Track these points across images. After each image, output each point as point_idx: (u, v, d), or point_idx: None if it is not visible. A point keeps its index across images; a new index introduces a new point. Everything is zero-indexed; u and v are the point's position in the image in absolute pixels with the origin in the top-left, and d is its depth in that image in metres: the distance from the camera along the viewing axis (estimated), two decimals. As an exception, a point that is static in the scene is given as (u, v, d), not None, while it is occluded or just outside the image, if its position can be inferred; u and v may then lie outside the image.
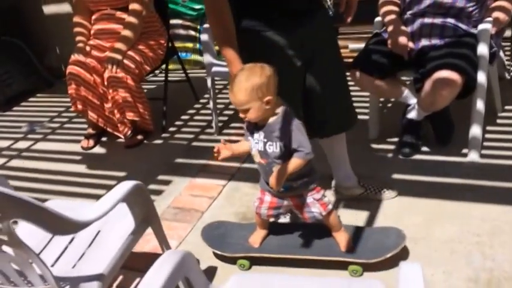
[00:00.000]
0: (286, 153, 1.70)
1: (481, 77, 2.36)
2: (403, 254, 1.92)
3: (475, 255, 1.92)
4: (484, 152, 2.57)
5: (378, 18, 2.70)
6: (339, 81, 2.03)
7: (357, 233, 1.98)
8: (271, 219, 2.00)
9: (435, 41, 2.41)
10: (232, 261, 2.01)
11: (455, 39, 2.37)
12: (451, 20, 2.38)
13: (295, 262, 1.93)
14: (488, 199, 2.21)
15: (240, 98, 1.62)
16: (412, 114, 2.58)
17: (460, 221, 2.08)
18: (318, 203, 1.84)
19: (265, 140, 1.71)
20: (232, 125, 3.33)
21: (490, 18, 2.36)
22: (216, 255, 2.06)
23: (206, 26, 3.14)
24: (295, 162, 1.70)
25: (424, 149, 2.68)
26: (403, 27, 2.47)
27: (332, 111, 2.02)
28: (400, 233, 1.94)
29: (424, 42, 2.44)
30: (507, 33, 3.41)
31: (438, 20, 2.39)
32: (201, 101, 3.78)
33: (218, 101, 3.50)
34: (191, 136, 3.27)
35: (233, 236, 2.08)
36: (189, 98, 3.80)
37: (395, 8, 2.58)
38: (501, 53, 3.26)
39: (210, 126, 3.31)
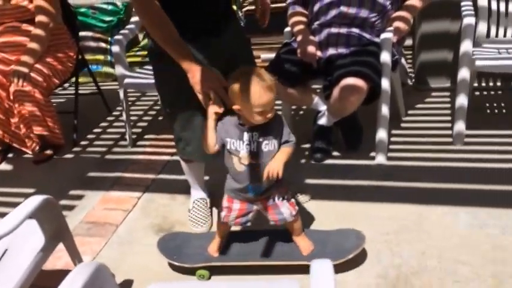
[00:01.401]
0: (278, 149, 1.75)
1: (385, 83, 2.50)
2: (363, 254, 1.97)
3: (384, 253, 2.01)
4: (390, 154, 2.71)
5: (288, 29, 2.78)
6: None
7: (316, 237, 1.99)
8: (238, 227, 1.98)
9: (342, 50, 2.52)
10: (190, 272, 1.97)
11: (360, 47, 2.49)
12: (355, 30, 2.50)
13: (257, 269, 1.92)
14: (394, 199, 2.33)
15: (271, 96, 1.64)
16: (322, 121, 2.67)
17: (369, 222, 2.17)
18: (287, 203, 1.87)
19: (261, 140, 1.73)
20: (146, 136, 3.28)
21: (391, 28, 2.50)
22: (173, 267, 2.01)
23: (117, 37, 3.08)
24: (288, 152, 1.75)
25: (335, 153, 2.78)
26: (311, 37, 2.56)
27: None
28: (359, 234, 1.98)
29: (332, 51, 2.54)
30: (409, 42, 3.65)
31: (344, 30, 2.50)
32: (114, 113, 3.68)
33: (132, 112, 3.44)
34: (104, 149, 3.18)
35: (190, 247, 2.04)
36: (101, 111, 3.69)
37: (304, 19, 2.67)
38: (403, 61, 3.48)
39: (123, 138, 3.23)
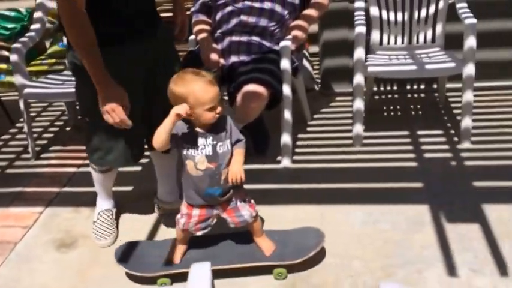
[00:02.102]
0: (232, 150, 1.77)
1: (286, 89, 2.59)
2: (323, 251, 2.01)
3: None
4: (296, 158, 2.81)
5: (192, 37, 2.81)
6: None
7: (277, 237, 2.01)
8: (199, 233, 1.95)
9: (243, 57, 2.58)
10: (152, 281, 1.93)
11: (261, 55, 2.57)
12: (256, 38, 2.58)
13: (220, 273, 1.90)
14: (300, 201, 2.42)
15: (216, 89, 1.67)
16: (229, 127, 2.72)
17: (274, 224, 2.22)
18: (247, 204, 1.88)
19: (215, 142, 1.74)
20: (52, 148, 3.17)
21: (290, 36, 2.60)
22: (133, 277, 1.96)
23: (16, 45, 2.97)
24: (243, 153, 1.79)
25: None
26: (214, 45, 2.61)
27: None
28: (318, 232, 2.02)
29: (234, 58, 2.60)
30: (314, 49, 3.80)
31: (244, 38, 2.57)
32: (18, 125, 3.53)
33: (36, 124, 3.32)
34: (5, 163, 3.04)
35: (150, 256, 2.00)
36: (3, 123, 3.53)
37: (207, 27, 2.71)
38: (309, 67, 3.62)
39: (26, 151, 3.11)
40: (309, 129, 3.17)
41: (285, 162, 2.74)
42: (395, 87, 3.53)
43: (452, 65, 2.68)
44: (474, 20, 2.59)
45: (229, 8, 2.57)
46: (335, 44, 3.39)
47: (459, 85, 2.73)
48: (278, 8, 2.57)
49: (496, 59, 3.23)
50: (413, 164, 2.66)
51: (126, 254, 2.02)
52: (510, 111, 3.06)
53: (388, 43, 3.08)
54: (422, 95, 3.47)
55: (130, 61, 1.89)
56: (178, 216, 1.91)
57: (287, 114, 2.66)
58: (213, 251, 1.99)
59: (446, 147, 2.78)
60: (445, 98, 3.27)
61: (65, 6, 1.70)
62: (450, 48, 2.92)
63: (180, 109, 1.67)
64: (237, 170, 1.77)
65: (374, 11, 3.00)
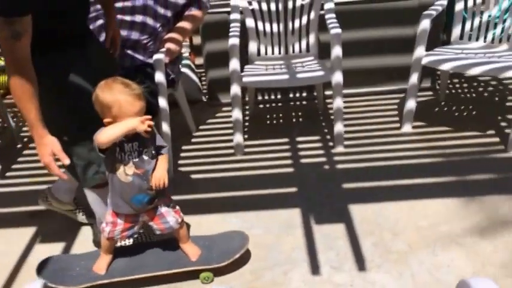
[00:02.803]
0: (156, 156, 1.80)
1: (162, 102, 2.59)
2: (248, 253, 2.06)
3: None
4: (179, 169, 2.82)
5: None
6: None
7: (202, 242, 2.03)
8: (124, 242, 1.94)
9: (115, 71, 2.55)
10: None
11: (134, 69, 2.55)
12: (128, 52, 2.56)
13: (147, 281, 1.91)
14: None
15: (142, 104, 1.69)
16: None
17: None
18: (172, 210, 1.89)
19: (141, 149, 1.75)
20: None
21: (163, 49, 2.60)
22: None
23: None
24: (167, 159, 1.83)
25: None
26: None
27: None
28: (242, 234, 2.06)
29: (106, 72, 2.56)
30: (199, 61, 3.84)
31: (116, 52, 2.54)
32: None
33: None
34: None
35: (74, 268, 1.96)
36: None
37: None
38: (196, 78, 3.65)
39: None
40: (193, 140, 3.20)
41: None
42: (279, 96, 3.65)
43: (321, 73, 2.82)
44: (339, 30, 2.74)
45: (99, 22, 2.53)
46: (218, 55, 3.44)
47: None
48: (150, 21, 2.58)
49: (363, 67, 3.43)
50: (290, 169, 2.76)
51: (49, 268, 1.97)
52: (378, 116, 3.25)
53: (266, 53, 3.18)
54: (304, 102, 3.61)
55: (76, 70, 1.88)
56: (103, 224, 1.89)
57: (165, 127, 2.66)
58: (139, 260, 1.98)
59: (321, 152, 2.92)
60: (324, 105, 3.43)
61: (7, 48, 1.66)
62: (327, 57, 3.05)
63: (141, 127, 1.67)
64: (160, 175, 1.79)
65: (250, 22, 3.10)
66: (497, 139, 2.83)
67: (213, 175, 2.78)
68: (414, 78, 2.87)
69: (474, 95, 3.45)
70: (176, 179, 2.73)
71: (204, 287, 1.95)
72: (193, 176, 2.78)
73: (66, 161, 1.76)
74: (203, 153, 3.02)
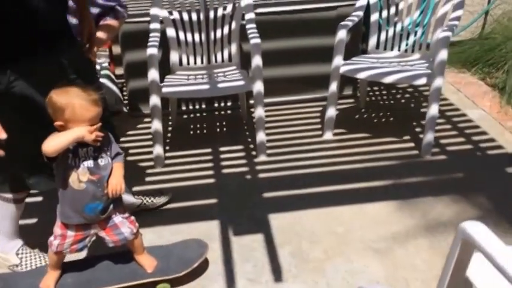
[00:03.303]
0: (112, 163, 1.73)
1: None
2: (206, 262, 2.02)
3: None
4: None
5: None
6: None
7: (158, 252, 1.96)
8: (73, 254, 1.84)
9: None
10: None
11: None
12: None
13: None
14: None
15: (98, 110, 1.62)
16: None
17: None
18: (127, 221, 1.81)
19: (96, 154, 1.68)
20: None
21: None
22: None
23: None
24: (122, 166, 1.76)
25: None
26: None
27: None
28: (200, 242, 2.02)
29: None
30: (120, 71, 3.72)
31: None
32: None
33: None
34: None
35: (20, 286, 1.84)
36: None
37: None
38: (116, 89, 3.53)
39: None
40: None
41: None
42: (203, 106, 3.60)
43: (242, 83, 2.81)
44: (258, 40, 2.74)
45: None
46: (138, 65, 3.34)
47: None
48: (72, 20, 2.45)
49: (286, 76, 3.46)
50: (211, 180, 2.71)
51: None
52: (301, 124, 3.28)
53: (188, 63, 3.13)
54: (229, 111, 3.58)
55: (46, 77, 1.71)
56: (51, 238, 1.78)
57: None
58: (90, 274, 1.88)
59: (244, 161, 2.89)
60: (248, 114, 3.41)
61: None
62: (250, 67, 3.04)
63: (88, 137, 1.61)
64: (117, 182, 1.72)
65: (170, 32, 3.04)
66: (412, 144, 2.91)
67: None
68: (333, 86, 2.92)
69: (392, 101, 3.55)
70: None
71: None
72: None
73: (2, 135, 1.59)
74: (123, 166, 2.91)
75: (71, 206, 1.71)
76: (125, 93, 3.71)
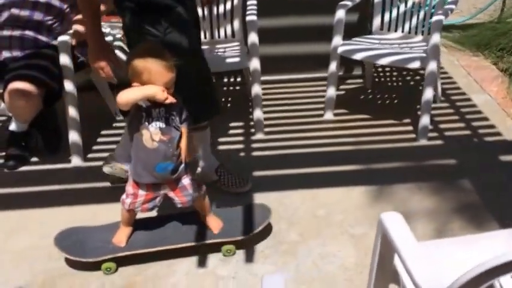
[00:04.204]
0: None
1: (68, 85, 2.53)
2: (269, 226, 2.06)
3: (41, 259, 2.01)
4: (92, 155, 2.75)
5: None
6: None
7: (224, 215, 2.02)
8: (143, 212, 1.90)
9: (16, 53, 2.47)
10: (96, 267, 1.87)
11: (36, 50, 2.47)
12: (30, 33, 2.48)
13: (167, 253, 1.90)
14: (82, 201, 2.37)
15: (172, 75, 1.68)
16: (12, 126, 2.60)
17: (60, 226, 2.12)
18: (195, 183, 1.87)
19: (167, 115, 1.73)
20: None
21: (71, 31, 2.52)
22: (75, 264, 1.90)
23: None
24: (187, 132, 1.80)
25: (34, 159, 2.73)
26: None
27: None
28: (264, 207, 2.07)
29: (6, 54, 2.49)
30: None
31: (17, 33, 2.46)
32: None
33: None
34: None
35: (93, 240, 1.93)
36: None
37: None
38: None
39: None
40: (115, 124, 3.12)
41: (75, 161, 2.67)
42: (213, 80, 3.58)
43: (237, 59, 2.79)
44: (254, 17, 2.70)
45: None
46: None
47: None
48: (56, 2, 2.50)
49: (293, 53, 3.41)
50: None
51: (68, 240, 1.94)
52: (304, 102, 3.24)
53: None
54: (238, 87, 3.56)
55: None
56: (124, 196, 1.86)
57: (72, 111, 2.60)
58: (160, 232, 1.95)
59: (241, 138, 2.89)
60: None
61: None
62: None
63: (160, 95, 1.66)
64: (188, 150, 1.82)
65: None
66: (410, 128, 2.85)
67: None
68: (333, 66, 2.86)
69: (400, 83, 3.47)
70: (85, 166, 2.67)
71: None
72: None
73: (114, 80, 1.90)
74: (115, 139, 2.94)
75: (143, 165, 1.79)
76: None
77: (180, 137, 1.80)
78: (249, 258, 1.98)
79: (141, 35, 1.89)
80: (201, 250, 1.97)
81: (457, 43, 3.97)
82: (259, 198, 2.31)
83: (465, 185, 2.36)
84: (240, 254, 2.00)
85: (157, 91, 1.67)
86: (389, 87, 3.42)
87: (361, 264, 1.89)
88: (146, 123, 1.73)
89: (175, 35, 1.92)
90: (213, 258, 1.98)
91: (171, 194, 1.87)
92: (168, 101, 1.68)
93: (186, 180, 1.86)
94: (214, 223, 1.98)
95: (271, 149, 2.77)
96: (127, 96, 1.67)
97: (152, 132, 1.74)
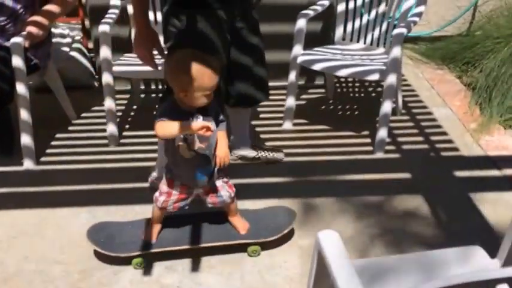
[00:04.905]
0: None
1: (20, 88, 2.48)
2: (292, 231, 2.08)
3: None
4: (44, 159, 2.70)
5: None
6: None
7: (249, 216, 2.05)
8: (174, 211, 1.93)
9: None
10: (126, 262, 1.91)
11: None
12: (-18, 34, 2.41)
13: (194, 252, 1.96)
14: (31, 205, 2.32)
15: (216, 79, 1.66)
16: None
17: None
18: (226, 185, 1.90)
19: (205, 121, 1.71)
20: None
21: (24, 32, 2.47)
22: (105, 259, 1.93)
23: None
24: (225, 136, 1.84)
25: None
26: None
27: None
28: (289, 210, 2.11)
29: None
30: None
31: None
32: None
33: None
34: None
35: (124, 236, 1.97)
36: None
37: None
38: (87, 63, 3.50)
39: None
40: (71, 128, 3.07)
41: (27, 164, 2.61)
42: (166, 86, 3.55)
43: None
44: (106, 27, 2.66)
45: None
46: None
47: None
48: (9, 2, 2.44)
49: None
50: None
51: (99, 234, 1.97)
52: (265, 111, 3.23)
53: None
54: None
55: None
56: (157, 194, 1.89)
57: (24, 114, 2.55)
58: (188, 231, 1.99)
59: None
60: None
61: None
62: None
63: (197, 127, 1.65)
64: (224, 154, 1.83)
65: (131, 9, 2.98)
66: (368, 140, 2.86)
67: (78, 166, 2.68)
68: (292, 76, 2.87)
69: (363, 94, 3.49)
70: (37, 169, 2.62)
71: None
72: (59, 167, 2.67)
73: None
74: (77, 143, 2.91)
75: (181, 169, 1.82)
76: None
77: (216, 141, 1.83)
78: (195, 267, 1.95)
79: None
80: (226, 249, 1.99)
81: (423, 56, 4.01)
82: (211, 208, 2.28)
83: (413, 201, 2.35)
84: (186, 262, 1.97)
85: (194, 126, 1.66)
86: (351, 98, 3.44)
87: (306, 275, 1.87)
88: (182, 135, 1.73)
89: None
90: (158, 267, 1.95)
91: (204, 196, 1.92)
92: (203, 132, 1.65)
93: (218, 182, 1.90)
94: (241, 224, 2.02)
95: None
96: (165, 133, 1.70)
97: (190, 142, 1.74)
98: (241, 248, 1.99)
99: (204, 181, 1.84)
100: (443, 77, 3.67)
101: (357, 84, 3.61)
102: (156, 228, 1.97)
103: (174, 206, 1.90)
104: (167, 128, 1.68)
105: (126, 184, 2.50)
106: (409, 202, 2.33)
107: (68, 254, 2.02)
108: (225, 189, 1.91)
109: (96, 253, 2.00)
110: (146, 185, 2.46)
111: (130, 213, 2.25)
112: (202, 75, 1.65)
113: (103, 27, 2.66)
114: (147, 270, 1.94)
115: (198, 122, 1.66)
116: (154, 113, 3.22)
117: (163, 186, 1.88)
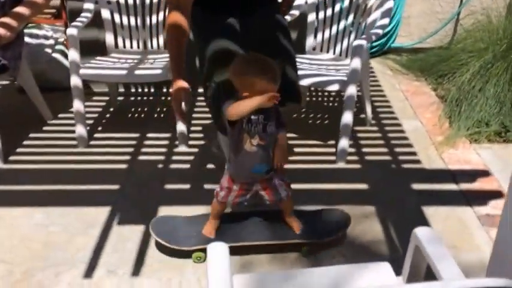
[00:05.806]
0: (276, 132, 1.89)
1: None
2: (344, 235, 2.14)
3: None
4: (14, 158, 2.76)
5: None
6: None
7: (305, 216, 2.10)
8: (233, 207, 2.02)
9: None
10: (186, 255, 1.99)
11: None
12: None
13: (251, 249, 2.01)
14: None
15: (275, 84, 1.75)
16: None
17: None
18: (284, 184, 1.96)
19: (265, 122, 1.81)
20: None
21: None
22: (166, 249, 2.03)
23: None
24: (285, 137, 1.95)
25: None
26: None
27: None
28: (343, 213, 2.17)
29: None
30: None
31: None
32: None
33: None
34: None
35: (184, 230, 2.04)
36: None
37: None
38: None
39: None
40: (45, 128, 3.13)
41: (-6, 163, 2.67)
42: (152, 89, 3.61)
43: (159, 72, 2.79)
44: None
45: None
46: (85, 43, 3.37)
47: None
48: (-23, 4, 2.49)
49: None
50: (124, 166, 2.73)
51: (162, 227, 2.06)
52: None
53: (124, 46, 3.14)
54: (163, 98, 3.55)
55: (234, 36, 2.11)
56: (218, 189, 1.97)
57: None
58: (245, 227, 2.05)
59: (163, 150, 2.90)
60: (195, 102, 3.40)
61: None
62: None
63: (268, 104, 1.73)
64: (282, 154, 1.92)
65: (105, 13, 3.04)
66: (333, 150, 2.87)
67: (44, 166, 2.73)
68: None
69: (336, 104, 3.51)
70: (5, 168, 2.67)
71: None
72: (28, 167, 2.73)
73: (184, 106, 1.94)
74: (47, 143, 2.96)
75: (241, 165, 1.90)
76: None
77: (275, 141, 1.90)
78: (136, 271, 1.98)
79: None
80: (281, 248, 2.05)
81: (403, 67, 4.03)
82: (164, 211, 2.31)
83: (365, 212, 2.35)
84: (129, 266, 2.00)
85: (265, 100, 1.72)
86: (324, 107, 3.46)
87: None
88: (247, 127, 1.82)
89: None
90: (100, 270, 1.99)
91: (262, 192, 1.97)
92: (272, 101, 1.72)
93: (277, 181, 1.96)
94: (296, 223, 2.07)
95: (189, 162, 2.78)
96: (240, 111, 1.76)
97: (251, 137, 1.83)
98: (297, 247, 2.06)
99: (259, 175, 1.91)
100: (419, 88, 3.68)
101: (333, 94, 3.62)
102: (215, 223, 2.05)
103: (234, 201, 1.97)
104: (239, 106, 1.76)
105: (87, 186, 2.54)
106: (361, 214, 2.34)
107: (15, 254, 2.06)
108: (282, 187, 1.98)
109: (46, 253, 2.03)
110: (108, 187, 2.51)
111: (82, 216, 2.29)
112: (267, 79, 1.74)
113: (71, 31, 2.71)
114: (88, 273, 1.97)
115: (266, 94, 1.72)
116: (129, 116, 3.30)
117: (224, 181, 1.97)
